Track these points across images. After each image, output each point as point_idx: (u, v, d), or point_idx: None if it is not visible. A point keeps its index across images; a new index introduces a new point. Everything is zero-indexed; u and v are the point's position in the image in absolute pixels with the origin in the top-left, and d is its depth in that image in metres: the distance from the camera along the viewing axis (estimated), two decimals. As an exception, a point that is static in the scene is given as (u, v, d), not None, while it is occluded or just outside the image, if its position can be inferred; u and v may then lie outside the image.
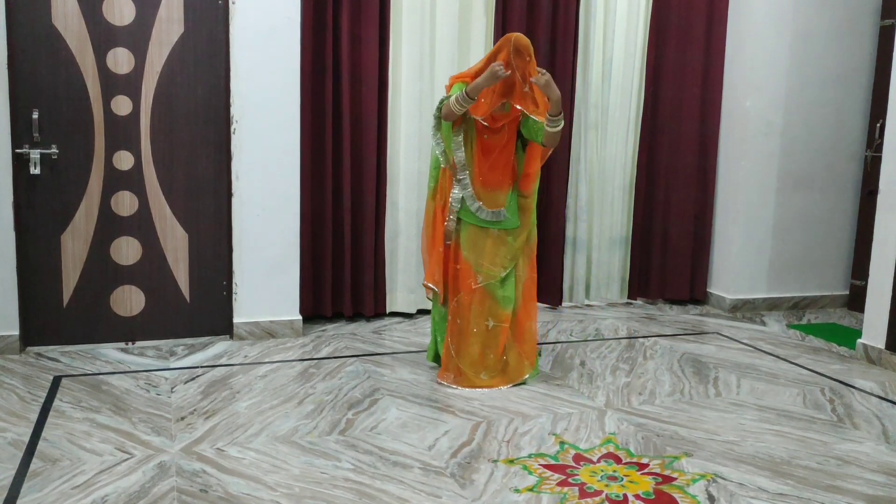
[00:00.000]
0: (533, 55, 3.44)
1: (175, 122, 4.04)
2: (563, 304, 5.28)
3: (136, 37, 3.93)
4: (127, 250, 4.05)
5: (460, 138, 3.53)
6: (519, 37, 3.41)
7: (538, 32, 4.85)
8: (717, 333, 4.75)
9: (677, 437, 3.11)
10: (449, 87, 3.56)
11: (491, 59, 3.44)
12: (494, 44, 4.74)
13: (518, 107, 3.45)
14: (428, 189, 3.77)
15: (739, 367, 4.05)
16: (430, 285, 3.70)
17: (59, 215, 3.91)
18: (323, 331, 4.49)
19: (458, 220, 3.60)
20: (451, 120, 3.49)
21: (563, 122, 3.45)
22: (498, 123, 3.51)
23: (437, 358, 3.80)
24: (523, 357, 3.67)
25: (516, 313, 3.67)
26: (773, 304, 5.40)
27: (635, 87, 5.23)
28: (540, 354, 3.97)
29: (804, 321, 5.16)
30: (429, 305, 4.89)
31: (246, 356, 3.98)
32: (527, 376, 3.67)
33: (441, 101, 3.49)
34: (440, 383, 3.62)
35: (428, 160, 4.76)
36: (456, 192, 3.59)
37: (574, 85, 5.05)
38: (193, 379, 3.62)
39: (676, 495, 2.62)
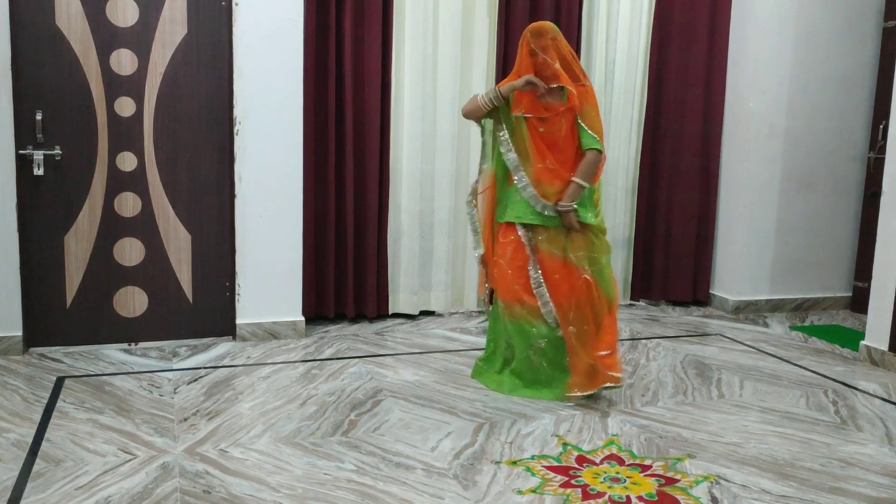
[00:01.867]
0: (556, 34, 3.39)
1: (178, 124, 4.05)
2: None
3: (140, 38, 3.94)
4: (130, 251, 4.05)
5: (509, 143, 3.44)
6: (534, 24, 3.44)
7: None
8: (720, 335, 4.75)
9: (680, 438, 3.11)
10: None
11: (519, 58, 3.44)
12: (497, 44, 4.78)
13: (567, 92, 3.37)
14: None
15: (742, 369, 4.05)
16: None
17: (62, 216, 3.92)
18: (325, 332, 4.49)
19: (523, 225, 3.46)
20: (471, 118, 3.49)
21: (580, 191, 3.40)
22: (549, 112, 3.38)
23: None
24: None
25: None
26: (775, 306, 5.39)
27: (638, 88, 5.23)
28: None
29: (807, 323, 5.15)
30: (429, 306, 4.92)
31: (249, 357, 3.98)
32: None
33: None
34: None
35: (431, 161, 4.78)
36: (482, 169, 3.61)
37: (577, 86, 5.04)
38: (196, 380, 3.63)
39: (680, 497, 2.62)
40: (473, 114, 3.48)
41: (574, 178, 3.39)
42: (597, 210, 3.50)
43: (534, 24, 3.44)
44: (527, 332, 3.49)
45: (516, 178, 3.46)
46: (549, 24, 3.44)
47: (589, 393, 3.44)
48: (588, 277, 3.42)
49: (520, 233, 3.48)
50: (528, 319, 3.48)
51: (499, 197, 3.61)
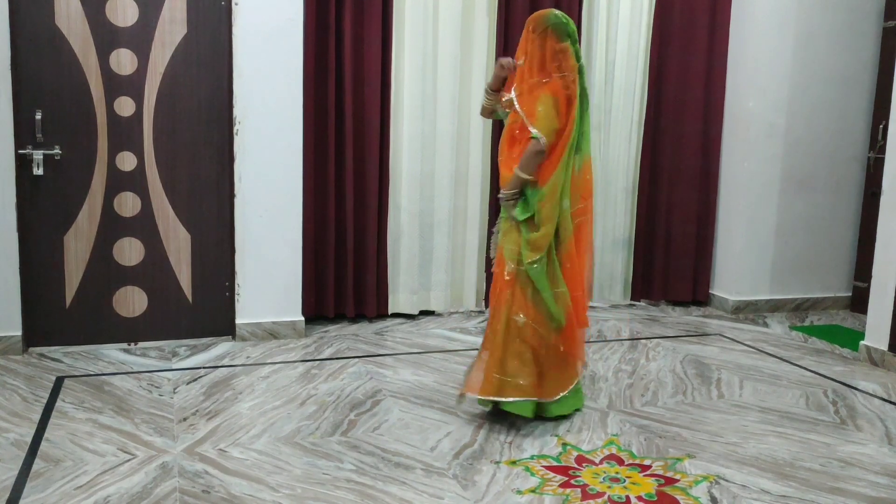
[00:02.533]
0: (539, 25, 3.09)
1: (178, 124, 4.05)
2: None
3: (139, 38, 3.94)
4: (129, 251, 4.05)
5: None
6: (535, 17, 3.18)
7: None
8: (720, 335, 4.75)
9: (680, 438, 3.11)
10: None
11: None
12: (496, 44, 4.78)
13: (515, 105, 3.16)
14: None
15: (742, 369, 4.05)
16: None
17: (61, 216, 3.92)
18: (325, 332, 4.49)
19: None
20: (484, 116, 3.45)
21: (517, 180, 3.10)
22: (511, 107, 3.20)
23: None
24: None
25: None
26: (775, 306, 5.39)
27: (638, 88, 5.23)
28: None
29: (807, 323, 5.15)
30: (429, 306, 4.92)
31: (248, 357, 3.98)
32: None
33: None
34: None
35: (431, 161, 4.78)
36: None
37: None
38: (196, 380, 3.63)
39: (679, 497, 2.61)
40: (484, 113, 3.44)
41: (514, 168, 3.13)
42: (539, 216, 3.08)
43: (535, 16, 3.18)
44: None
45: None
46: (539, 14, 3.16)
47: (484, 399, 3.19)
48: (508, 275, 3.13)
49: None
50: None
51: None
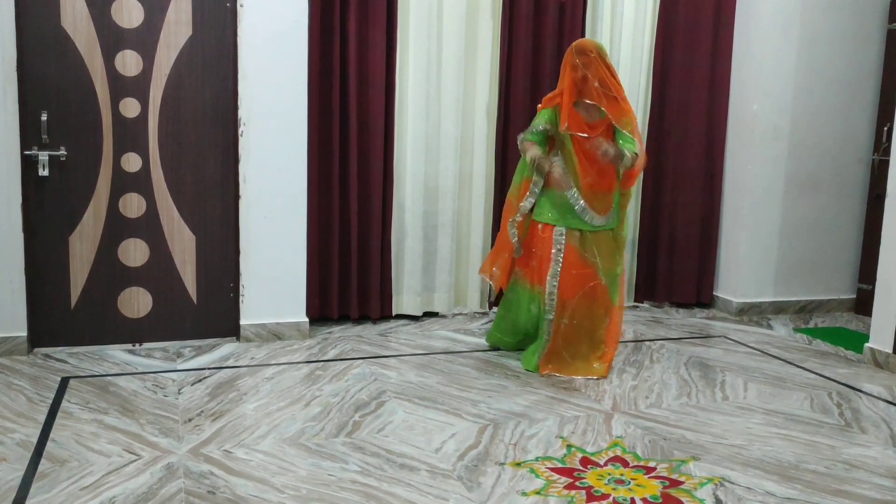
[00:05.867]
0: (601, 52, 3.72)
1: (183, 125, 4.06)
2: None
3: (145, 39, 3.95)
4: (134, 252, 4.06)
5: (558, 158, 3.85)
6: (580, 41, 3.79)
7: (544, 36, 4.85)
8: (724, 337, 4.75)
9: (684, 440, 3.11)
10: (539, 109, 3.90)
11: (563, 73, 3.77)
12: (500, 46, 4.78)
13: (608, 114, 3.74)
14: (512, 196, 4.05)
15: (746, 371, 4.05)
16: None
17: (67, 217, 3.92)
18: (329, 333, 4.50)
19: (572, 230, 3.82)
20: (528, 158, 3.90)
21: (632, 161, 3.75)
22: (596, 131, 3.74)
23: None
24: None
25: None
26: (779, 308, 5.39)
27: (642, 90, 5.23)
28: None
29: (811, 325, 5.14)
30: (433, 307, 4.92)
31: (253, 358, 3.99)
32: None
33: (528, 131, 3.91)
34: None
35: (434, 162, 4.79)
36: (524, 204, 3.91)
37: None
38: (200, 381, 3.63)
39: (684, 499, 2.61)
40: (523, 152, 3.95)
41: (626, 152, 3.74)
42: (621, 214, 3.96)
43: (578, 41, 3.78)
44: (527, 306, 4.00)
45: (568, 192, 3.80)
46: (592, 42, 3.77)
47: (561, 375, 3.84)
48: (601, 283, 3.85)
49: (554, 230, 3.83)
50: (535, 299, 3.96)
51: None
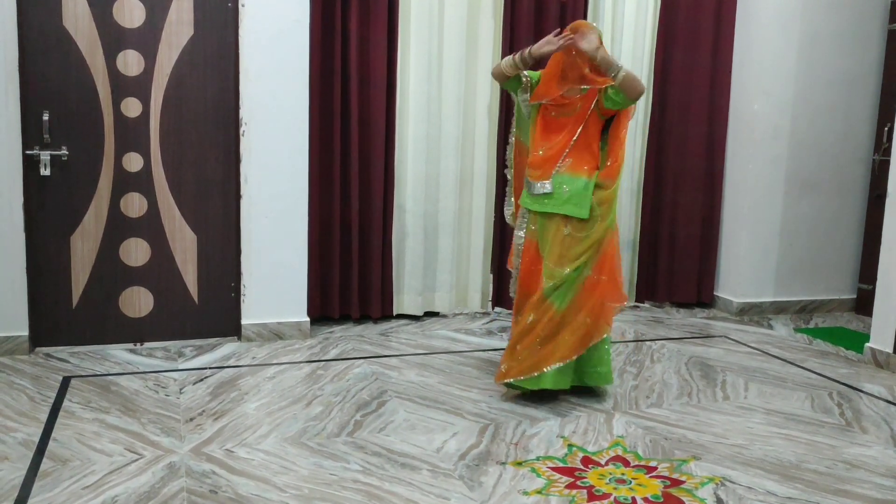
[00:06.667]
0: (600, 35, 3.35)
1: (184, 124, 4.06)
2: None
3: (146, 39, 3.95)
4: (136, 251, 4.06)
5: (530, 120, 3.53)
6: (576, 22, 3.43)
7: (546, 35, 4.84)
8: (725, 337, 4.75)
9: (685, 440, 3.11)
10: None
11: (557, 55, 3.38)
12: (502, 46, 4.78)
13: (593, 87, 3.34)
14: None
15: (747, 371, 4.05)
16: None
17: (68, 216, 3.93)
18: (330, 332, 4.50)
19: (524, 210, 3.51)
20: (497, 78, 3.51)
21: (623, 70, 3.23)
22: (567, 100, 3.38)
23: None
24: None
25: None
26: (780, 308, 5.39)
27: (643, 90, 5.22)
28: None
29: (812, 325, 5.15)
30: (434, 307, 4.92)
31: (254, 357, 3.99)
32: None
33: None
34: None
35: (436, 162, 4.79)
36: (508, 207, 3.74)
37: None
38: (202, 380, 3.64)
39: (685, 499, 2.62)
40: (498, 76, 3.49)
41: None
42: (601, 210, 3.36)
43: (575, 22, 3.43)
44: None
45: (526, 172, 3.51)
46: (590, 24, 3.37)
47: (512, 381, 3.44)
48: (540, 285, 3.37)
49: (519, 212, 3.59)
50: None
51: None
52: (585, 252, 3.34)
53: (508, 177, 3.80)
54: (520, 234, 3.54)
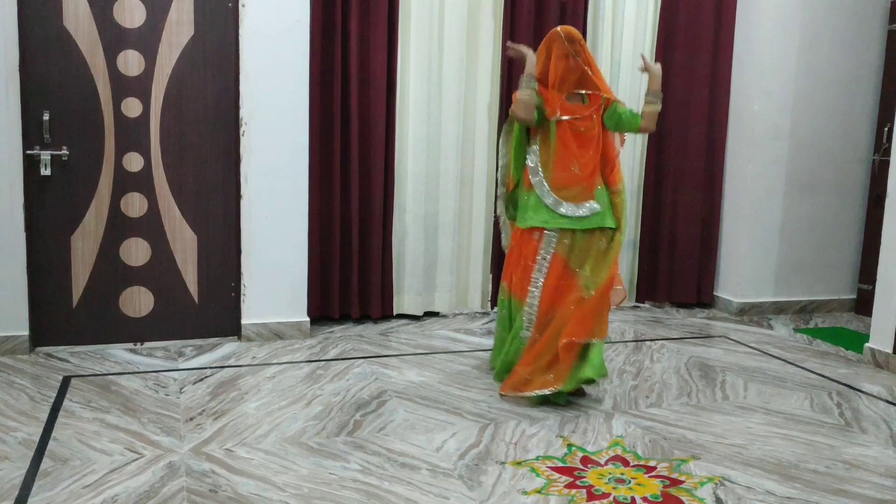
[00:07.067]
0: (583, 39, 3.43)
1: (185, 125, 4.06)
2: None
3: (147, 39, 3.95)
4: (136, 251, 4.07)
5: (536, 146, 3.47)
6: (564, 27, 3.44)
7: (543, 36, 4.85)
8: (725, 337, 4.75)
9: (685, 440, 3.11)
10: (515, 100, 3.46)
11: (542, 55, 3.42)
12: (502, 47, 4.79)
13: (598, 94, 3.46)
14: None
15: (746, 371, 4.05)
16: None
17: (68, 216, 3.93)
18: (330, 332, 4.50)
19: (550, 230, 3.41)
20: (527, 116, 3.38)
21: (660, 104, 3.53)
22: (582, 112, 3.42)
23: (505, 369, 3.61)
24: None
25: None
26: (780, 308, 5.39)
27: (643, 90, 5.21)
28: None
29: (811, 325, 5.15)
30: (434, 307, 4.93)
31: (254, 357, 3.99)
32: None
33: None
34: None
35: (436, 162, 4.79)
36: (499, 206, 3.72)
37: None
38: (202, 380, 3.64)
39: (684, 498, 2.62)
40: (529, 110, 3.38)
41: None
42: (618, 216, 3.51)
43: (565, 28, 3.43)
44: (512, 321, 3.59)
45: (534, 181, 3.45)
46: (576, 31, 3.43)
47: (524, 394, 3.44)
48: (580, 294, 3.40)
49: (535, 236, 3.44)
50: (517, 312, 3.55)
51: (514, 199, 3.63)
52: (616, 256, 3.49)
53: (499, 193, 3.75)
54: (546, 256, 3.43)
